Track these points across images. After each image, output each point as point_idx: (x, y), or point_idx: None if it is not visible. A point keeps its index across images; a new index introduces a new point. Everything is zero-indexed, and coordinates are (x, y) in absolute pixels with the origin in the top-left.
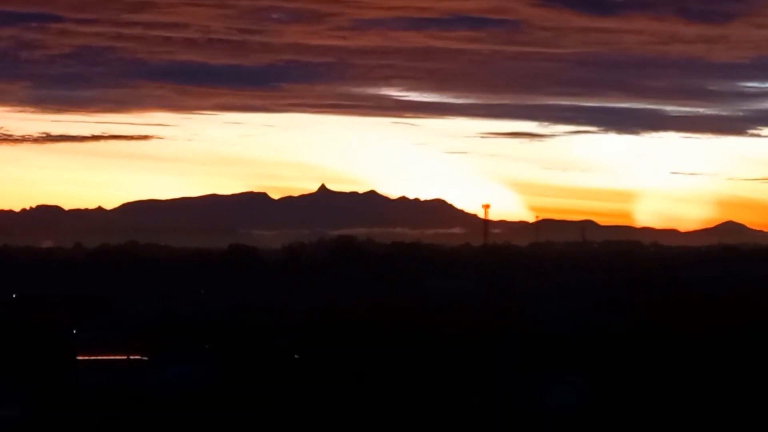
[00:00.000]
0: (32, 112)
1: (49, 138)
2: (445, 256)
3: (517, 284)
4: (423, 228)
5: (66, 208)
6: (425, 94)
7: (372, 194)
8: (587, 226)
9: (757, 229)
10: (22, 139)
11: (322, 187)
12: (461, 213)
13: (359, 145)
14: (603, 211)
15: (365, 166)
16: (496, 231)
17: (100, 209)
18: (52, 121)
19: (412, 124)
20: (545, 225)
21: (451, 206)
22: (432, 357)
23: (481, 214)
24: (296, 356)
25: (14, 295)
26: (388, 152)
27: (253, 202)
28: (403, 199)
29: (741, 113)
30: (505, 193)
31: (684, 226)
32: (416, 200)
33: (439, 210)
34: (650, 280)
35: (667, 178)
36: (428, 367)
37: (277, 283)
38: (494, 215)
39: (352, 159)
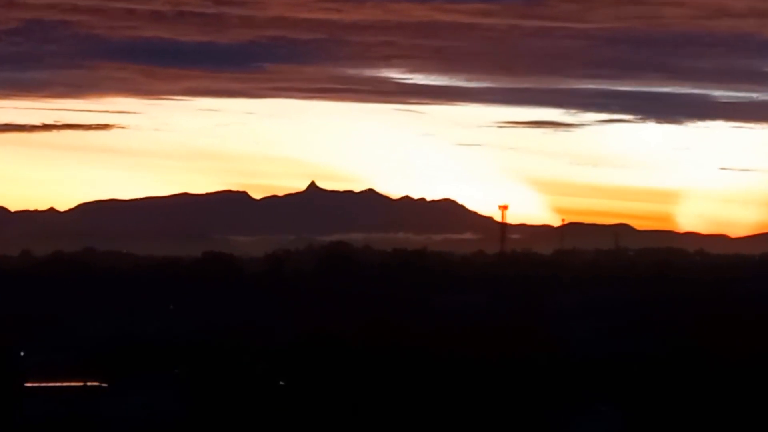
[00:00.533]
0: None
1: None
2: (455, 267)
3: (540, 300)
4: (429, 233)
5: (12, 209)
6: (432, 77)
7: (370, 194)
8: (621, 231)
9: None
10: None
11: (312, 186)
12: (474, 216)
13: (355, 136)
14: (640, 214)
15: (362, 161)
16: (515, 237)
17: (52, 211)
18: None
19: (416, 112)
20: (572, 230)
21: (462, 208)
22: (438, 388)
23: (497, 217)
24: (281, 383)
25: None
26: (389, 145)
27: (230, 203)
28: (406, 200)
29: None
30: (526, 192)
31: (734, 231)
32: (422, 201)
33: (448, 212)
34: (694, 295)
35: (715, 175)
36: (433, 401)
37: (258, 298)
38: (513, 218)
39: (347, 152)
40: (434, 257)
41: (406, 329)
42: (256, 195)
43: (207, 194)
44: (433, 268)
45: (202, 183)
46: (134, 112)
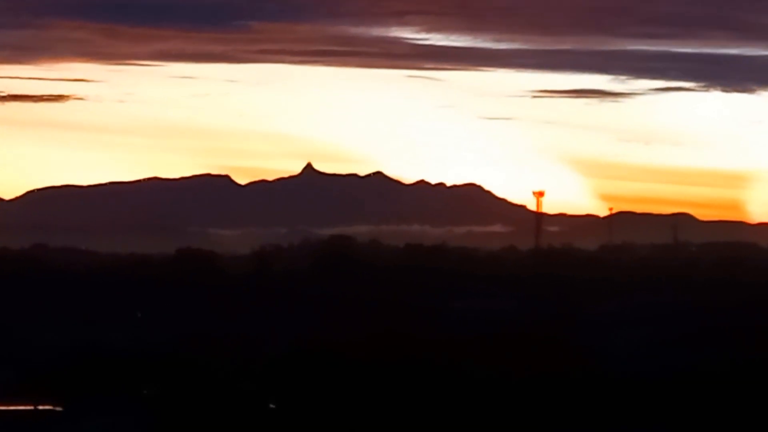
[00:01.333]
0: None
1: None
2: (480, 266)
3: (582, 306)
4: (450, 225)
5: None
6: (453, 37)
7: (378, 178)
8: (681, 221)
9: None
10: None
11: (308, 168)
12: (503, 204)
13: (360, 108)
14: (703, 201)
15: (368, 139)
16: (553, 229)
17: None
18: None
19: (434, 79)
20: (622, 220)
21: (488, 195)
22: (458, 412)
23: (531, 206)
24: (270, 407)
25: None
26: (401, 119)
27: (210, 190)
28: (421, 185)
29: None
30: (566, 175)
31: None
32: (440, 186)
33: (472, 200)
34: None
35: None
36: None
37: (243, 304)
38: (550, 207)
39: (350, 128)
40: (455, 254)
41: (420, 341)
42: (241, 179)
43: (182, 179)
44: (453, 268)
45: (175, 165)
46: (93, 81)
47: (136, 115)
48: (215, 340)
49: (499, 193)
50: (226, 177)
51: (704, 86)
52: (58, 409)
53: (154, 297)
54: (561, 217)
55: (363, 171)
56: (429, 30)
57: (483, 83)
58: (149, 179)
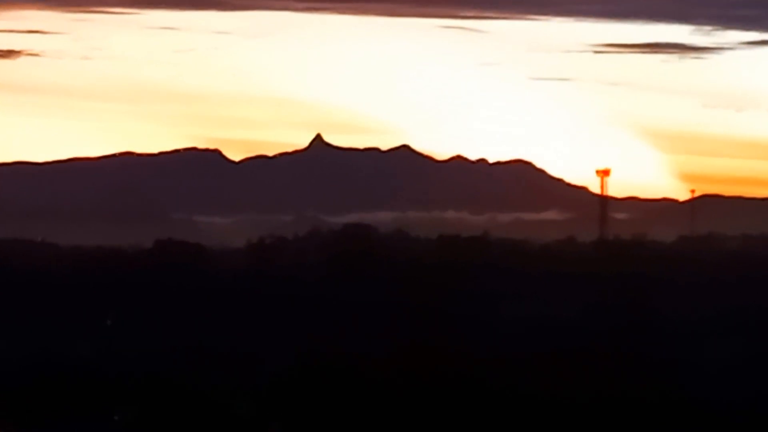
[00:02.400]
0: None
1: None
2: (531, 262)
3: (656, 311)
4: (493, 211)
5: None
6: None
7: (404, 153)
8: None
9: None
10: None
11: (317, 141)
12: (559, 185)
13: (381, 67)
14: None
15: (392, 105)
16: (621, 216)
17: None
18: None
19: (475, 31)
20: (707, 205)
21: (541, 174)
22: None
23: (593, 188)
24: None
25: None
26: (433, 80)
27: (196, 167)
28: (457, 162)
29: None
30: (637, 150)
31: None
32: (481, 163)
33: (520, 180)
34: None
35: None
36: None
37: (238, 309)
38: (617, 189)
39: (370, 91)
40: (500, 247)
41: (458, 357)
42: (234, 155)
43: (161, 155)
44: (498, 264)
45: (154, 137)
46: (51, 32)
47: (105, 74)
48: (204, 354)
49: (555, 171)
50: (216, 152)
51: None
52: None
53: (128, 300)
54: (631, 201)
55: (385, 144)
56: None
57: (534, 35)
58: (121, 155)
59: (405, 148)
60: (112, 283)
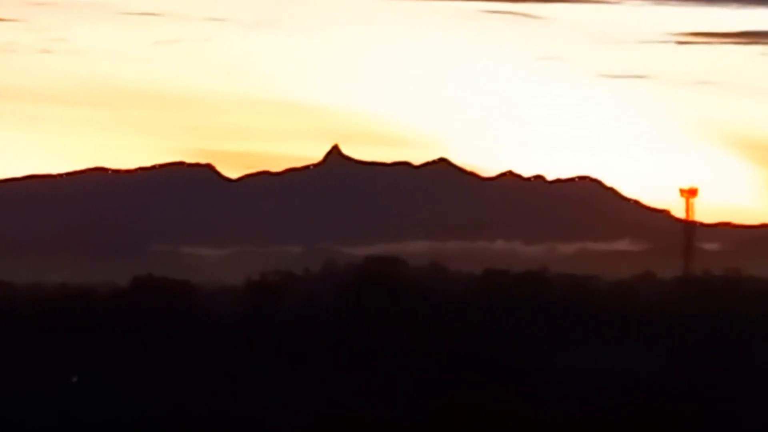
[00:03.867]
0: None
1: None
2: (600, 302)
3: (756, 363)
4: (553, 241)
5: None
6: None
7: (441, 168)
8: None
9: None
10: None
11: (334, 153)
12: (634, 208)
13: (414, 63)
14: None
15: (427, 109)
16: (712, 247)
17: None
18: None
19: (529, 16)
20: None
21: (612, 193)
22: None
23: (677, 211)
24: None
25: None
26: (478, 78)
27: (184, 187)
28: (507, 180)
29: None
30: (731, 164)
31: None
32: (538, 181)
33: (587, 202)
34: None
35: None
36: None
37: (232, 363)
38: (706, 213)
39: (398, 94)
40: (561, 285)
41: (505, 418)
42: (231, 171)
43: (140, 171)
44: (558, 305)
45: (130, 151)
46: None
47: (69, 72)
48: (192, 420)
49: (629, 191)
50: (208, 168)
51: None
52: None
53: (98, 353)
54: (724, 228)
55: (418, 158)
56: None
57: (604, 24)
58: (91, 171)
59: (443, 163)
60: (79, 331)
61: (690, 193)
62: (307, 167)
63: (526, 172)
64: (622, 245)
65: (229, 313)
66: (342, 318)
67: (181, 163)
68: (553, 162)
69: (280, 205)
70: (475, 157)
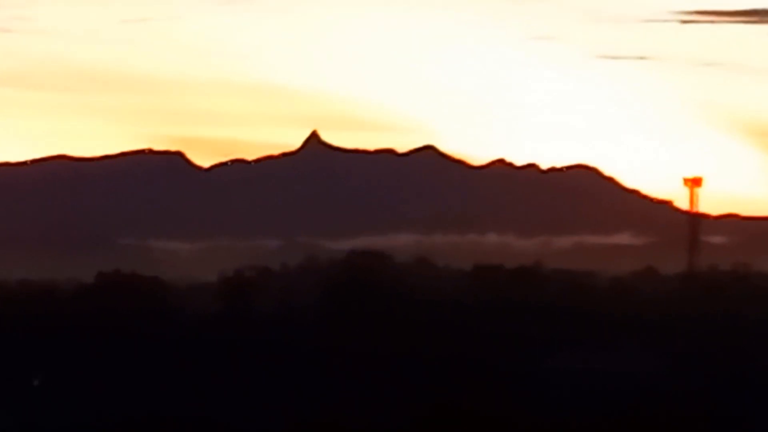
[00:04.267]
0: None
1: None
2: (598, 299)
3: (762, 363)
4: (547, 234)
5: None
6: None
7: (428, 156)
8: None
9: None
10: None
11: (313, 140)
12: (635, 198)
13: (399, 44)
14: None
15: (412, 93)
16: (718, 240)
17: None
18: None
19: None
20: None
21: (609, 183)
22: None
23: (680, 202)
24: None
25: None
26: (467, 60)
27: (153, 176)
28: (498, 168)
29: None
30: (737, 151)
31: None
32: (530, 170)
33: (583, 192)
34: None
35: None
36: None
37: (205, 365)
38: (711, 203)
39: (381, 76)
40: (557, 281)
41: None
42: (203, 159)
43: (105, 159)
44: (553, 303)
45: (95, 137)
46: None
47: (30, 54)
48: (163, 425)
49: (629, 180)
50: (178, 155)
51: None
52: None
53: (62, 354)
54: (730, 219)
55: (404, 145)
56: None
57: (601, 2)
58: (53, 159)
59: (429, 150)
60: (40, 330)
61: (694, 182)
62: (284, 155)
63: (519, 160)
64: (622, 239)
65: (201, 312)
66: (323, 317)
67: (149, 151)
68: (547, 149)
69: (255, 195)
70: (464, 144)
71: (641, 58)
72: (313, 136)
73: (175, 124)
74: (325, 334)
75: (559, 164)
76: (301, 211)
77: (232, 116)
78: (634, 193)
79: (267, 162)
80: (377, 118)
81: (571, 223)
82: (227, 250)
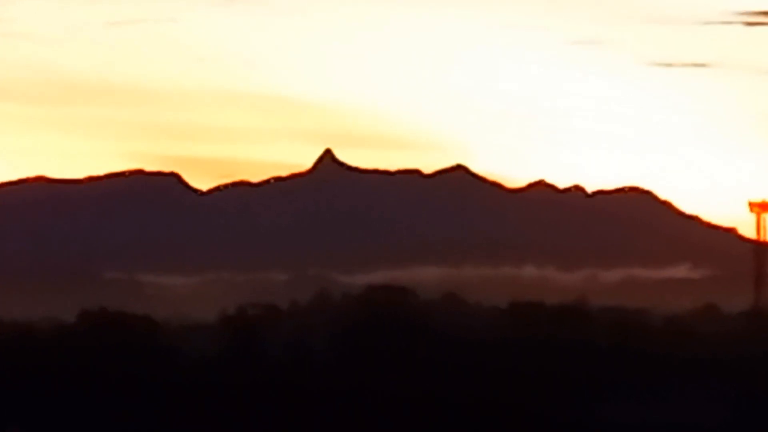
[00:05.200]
0: None
1: None
2: (651, 341)
3: None
4: (594, 266)
5: None
6: None
7: (458, 177)
8: None
9: None
10: None
11: (327, 159)
12: (693, 226)
13: (424, 49)
14: None
15: (441, 106)
16: None
17: None
18: None
19: None
20: None
21: (666, 209)
22: None
23: (745, 229)
24: None
25: None
26: (502, 68)
27: (144, 201)
28: (540, 191)
29: None
30: None
31: None
32: (576, 193)
33: (635, 219)
34: None
35: None
36: None
37: (203, 413)
38: None
39: (405, 87)
40: (604, 320)
41: None
42: (201, 182)
43: (90, 182)
44: (600, 345)
45: (79, 156)
46: None
47: (5, 59)
48: None
49: (686, 205)
50: (173, 177)
51: None
52: None
53: (41, 401)
54: None
55: (430, 165)
56: None
57: (653, 1)
58: (30, 181)
59: (459, 171)
60: (16, 376)
61: (762, 207)
62: (293, 176)
63: (562, 182)
64: (679, 272)
65: (198, 356)
66: (337, 361)
67: (140, 172)
68: (594, 170)
69: (260, 223)
70: (499, 163)
71: (700, 65)
72: (327, 155)
73: (169, 140)
74: (340, 380)
75: (607, 186)
76: (313, 240)
77: (234, 132)
78: (693, 220)
79: (274, 185)
80: (399, 134)
81: (621, 254)
82: (228, 285)
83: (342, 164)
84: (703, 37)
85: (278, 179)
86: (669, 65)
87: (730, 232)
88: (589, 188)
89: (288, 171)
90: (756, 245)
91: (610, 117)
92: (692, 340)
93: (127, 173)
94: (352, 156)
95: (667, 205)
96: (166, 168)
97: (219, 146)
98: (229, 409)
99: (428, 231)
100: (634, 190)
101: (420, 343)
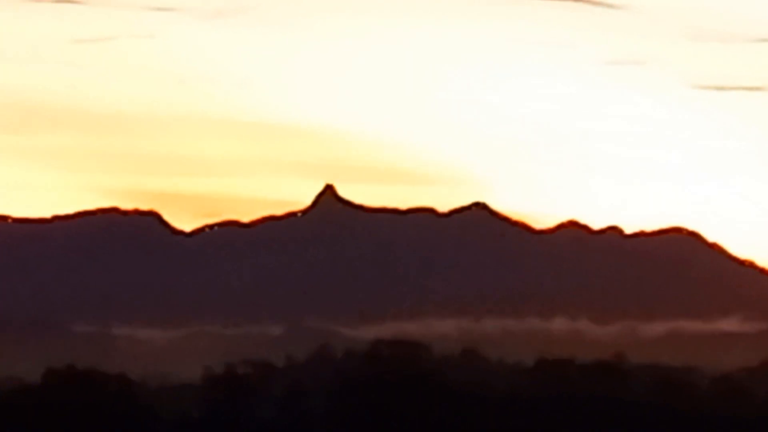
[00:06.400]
0: None
1: None
2: (698, 401)
3: None
4: (632, 318)
5: None
6: None
7: (477, 216)
8: None
9: None
10: None
11: (328, 195)
12: (746, 272)
13: (437, 71)
14: None
15: (453, 135)
16: None
17: None
18: None
19: (596, 3)
20: None
21: (714, 252)
22: None
23: None
24: None
25: None
26: (526, 92)
27: (119, 243)
28: (570, 232)
29: None
30: None
31: None
32: (612, 234)
33: (679, 263)
34: None
35: None
36: None
37: None
38: None
39: (415, 114)
40: (645, 379)
41: None
42: (184, 222)
43: (56, 221)
44: (640, 405)
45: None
46: None
47: None
48: None
49: (738, 248)
50: (152, 216)
51: None
52: None
53: None
54: None
55: (446, 202)
56: None
57: (704, 15)
58: None
59: (479, 209)
60: None
61: None
62: (290, 215)
63: (596, 221)
64: (730, 324)
65: (180, 419)
66: (339, 425)
67: (114, 210)
68: (632, 208)
69: (252, 268)
70: (524, 200)
71: (755, 88)
72: (328, 191)
73: (147, 174)
74: None
75: (647, 227)
76: (312, 288)
77: (220, 164)
78: (747, 265)
79: (267, 225)
80: (411, 168)
81: (664, 305)
82: (215, 340)
83: (345, 201)
84: (758, 57)
85: (272, 218)
86: (719, 88)
87: None
88: (627, 229)
89: (283, 209)
90: None
91: (651, 147)
92: (745, 402)
93: (99, 211)
94: (356, 192)
95: (716, 248)
96: (143, 205)
97: (204, 180)
98: None
99: (444, 278)
100: (679, 231)
101: (434, 406)
